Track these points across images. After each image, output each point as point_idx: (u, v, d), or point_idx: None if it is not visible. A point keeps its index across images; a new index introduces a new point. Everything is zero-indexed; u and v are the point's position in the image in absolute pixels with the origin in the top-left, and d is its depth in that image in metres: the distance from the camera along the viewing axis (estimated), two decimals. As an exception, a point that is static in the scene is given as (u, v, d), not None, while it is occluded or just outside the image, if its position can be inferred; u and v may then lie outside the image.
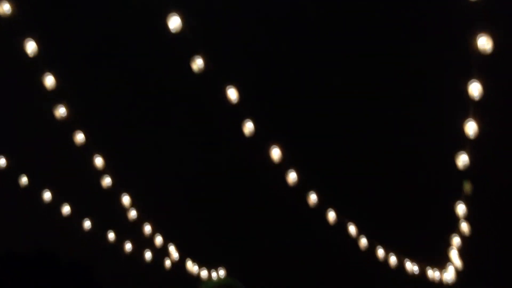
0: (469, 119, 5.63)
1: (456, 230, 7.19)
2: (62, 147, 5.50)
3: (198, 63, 4.80)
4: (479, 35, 4.45)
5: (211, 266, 7.75)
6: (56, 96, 4.98)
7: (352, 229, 7.28)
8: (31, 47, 4.52)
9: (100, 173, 5.76)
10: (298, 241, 9.31)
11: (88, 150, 5.48)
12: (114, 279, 9.57)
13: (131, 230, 6.52)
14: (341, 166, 8.80)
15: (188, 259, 7.28)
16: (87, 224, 6.39)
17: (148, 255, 6.84)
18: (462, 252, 8.21)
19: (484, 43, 4.56)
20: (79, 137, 5.60)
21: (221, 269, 7.92)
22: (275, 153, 6.01)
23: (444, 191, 7.14)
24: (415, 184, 9.14)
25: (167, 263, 6.80)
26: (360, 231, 7.30)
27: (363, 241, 7.40)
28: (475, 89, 5.46)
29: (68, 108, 5.06)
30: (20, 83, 6.19)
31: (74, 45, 8.06)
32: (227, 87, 4.91)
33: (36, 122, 6.70)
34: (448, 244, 7.68)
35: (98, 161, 5.76)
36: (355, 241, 7.00)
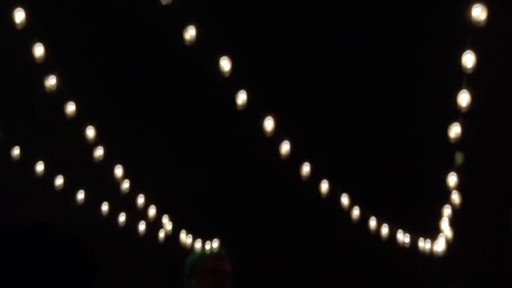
0: (462, 90, 5.64)
1: (448, 201, 7.25)
2: (53, 119, 5.46)
3: (190, 33, 4.75)
4: (473, 5, 4.42)
5: (205, 238, 7.79)
6: (45, 66, 4.92)
7: (344, 200, 7.34)
8: (19, 16, 4.45)
9: (92, 145, 5.74)
10: (291, 213, 9.38)
11: (79, 121, 5.45)
12: (108, 251, 9.62)
13: (124, 202, 6.53)
14: (334, 137, 8.82)
15: (182, 230, 7.31)
16: (80, 196, 6.38)
17: (141, 227, 6.85)
18: (453, 223, 8.29)
19: (479, 13, 4.53)
20: (70, 108, 5.56)
21: (215, 241, 7.95)
22: (268, 124, 6.02)
23: (436, 162, 7.18)
24: (407, 155, 9.19)
25: (161, 235, 6.81)
26: (353, 202, 7.36)
27: (356, 212, 7.47)
28: (468, 60, 5.46)
29: (59, 78, 5.01)
30: (9, 53, 6.11)
31: (65, 13, 7.95)
32: (220, 57, 4.87)
33: (26, 93, 6.63)
34: (439, 215, 7.75)
35: (90, 133, 5.73)
36: (347, 212, 7.06)
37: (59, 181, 6.13)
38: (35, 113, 7.37)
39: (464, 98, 6.01)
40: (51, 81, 5.06)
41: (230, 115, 5.25)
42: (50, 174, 5.92)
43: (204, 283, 5.55)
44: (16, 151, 5.77)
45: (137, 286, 9.16)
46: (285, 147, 6.39)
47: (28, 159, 5.80)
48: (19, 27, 4.55)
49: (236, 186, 9.02)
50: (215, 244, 8.30)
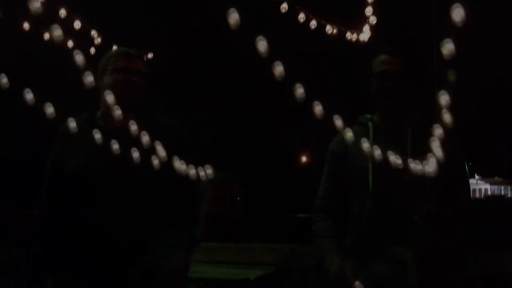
0: (456, 4, 5.53)
1: (439, 120, 7.26)
2: (40, 45, 5.29)
3: None
4: None
5: (197, 165, 7.76)
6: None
7: (338, 123, 7.33)
8: None
9: (82, 71, 5.62)
10: (287, 134, 9.42)
11: (68, 46, 5.30)
12: (104, 179, 9.56)
13: (117, 130, 6.48)
14: (327, 61, 8.73)
15: (175, 158, 7.27)
16: (71, 125, 6.31)
17: (135, 155, 6.82)
18: (444, 143, 8.35)
19: None
20: (57, 33, 5.40)
21: (208, 168, 7.95)
22: (262, 45, 5.89)
23: (427, 80, 7.17)
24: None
25: (155, 162, 6.80)
26: (346, 125, 7.36)
27: (349, 134, 7.47)
28: (463, -27, 5.32)
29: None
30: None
31: None
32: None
33: (12, 18, 6.37)
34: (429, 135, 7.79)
35: (79, 59, 5.60)
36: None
37: (50, 110, 6.05)
38: (21, 39, 7.12)
39: (458, 13, 5.93)
40: (35, 3, 4.89)
41: (223, 35, 5.13)
42: (40, 102, 5.82)
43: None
44: (4, 80, 5.63)
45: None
46: (278, 69, 6.33)
47: (16, 88, 5.69)
48: None
49: (231, 113, 8.96)
50: (209, 170, 8.31)
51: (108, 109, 5.62)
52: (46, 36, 6.66)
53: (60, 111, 5.83)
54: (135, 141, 5.60)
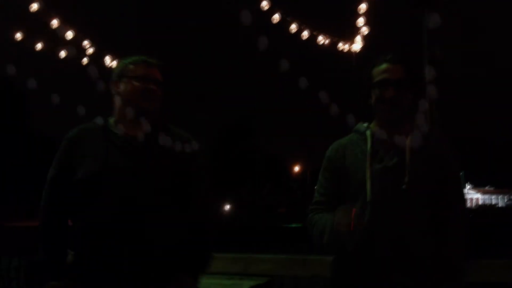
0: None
1: (424, 94, 7.27)
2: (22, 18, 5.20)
3: None
4: None
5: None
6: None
7: (323, 96, 7.31)
8: None
9: (66, 44, 5.55)
10: (273, 107, 9.43)
11: (59, 30, 5.21)
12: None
13: (100, 104, 6.42)
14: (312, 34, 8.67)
15: (161, 134, 7.25)
16: (55, 99, 6.25)
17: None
18: (428, 116, 8.39)
19: None
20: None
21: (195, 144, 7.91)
22: (246, 17, 5.84)
23: (412, 55, 7.13)
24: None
25: (139, 136, 6.79)
26: (332, 99, 7.36)
27: (335, 108, 7.48)
28: None
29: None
30: None
31: None
32: None
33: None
34: (415, 109, 7.81)
35: (65, 34, 5.53)
36: (326, 107, 7.07)
37: (31, 83, 5.97)
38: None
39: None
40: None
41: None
42: (21, 77, 5.74)
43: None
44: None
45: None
46: (262, 41, 6.29)
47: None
48: None
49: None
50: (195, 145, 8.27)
51: (122, 116, 5.48)
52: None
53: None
54: (149, 149, 5.51)
